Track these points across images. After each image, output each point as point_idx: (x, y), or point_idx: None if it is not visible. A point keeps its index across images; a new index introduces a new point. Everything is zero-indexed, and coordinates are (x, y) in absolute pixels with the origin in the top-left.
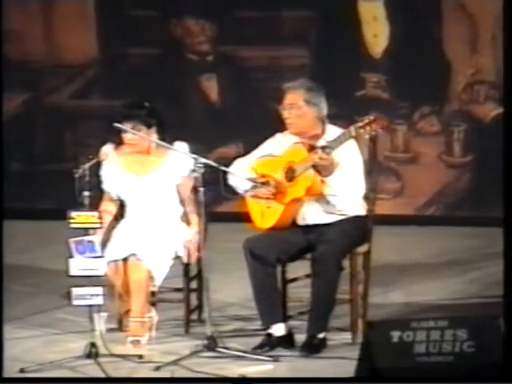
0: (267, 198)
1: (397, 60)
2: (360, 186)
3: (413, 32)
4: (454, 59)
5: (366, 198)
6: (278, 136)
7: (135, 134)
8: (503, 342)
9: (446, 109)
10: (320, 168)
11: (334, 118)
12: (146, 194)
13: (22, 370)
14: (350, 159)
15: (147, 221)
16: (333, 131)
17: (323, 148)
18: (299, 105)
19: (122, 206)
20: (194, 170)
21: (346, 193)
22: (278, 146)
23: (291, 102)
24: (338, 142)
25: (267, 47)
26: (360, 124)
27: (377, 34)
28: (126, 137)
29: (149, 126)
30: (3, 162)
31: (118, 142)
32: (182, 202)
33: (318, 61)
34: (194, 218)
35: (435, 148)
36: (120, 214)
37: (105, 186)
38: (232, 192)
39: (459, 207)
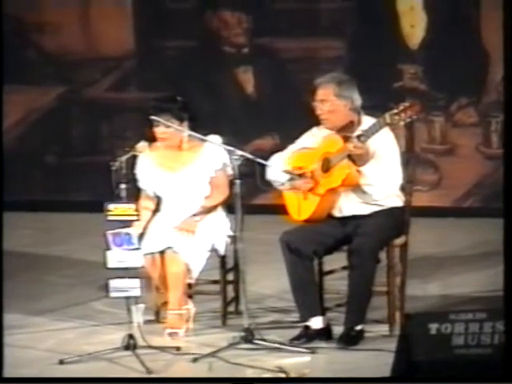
0: (304, 191)
1: (434, 51)
2: (396, 175)
3: (450, 22)
4: (492, 49)
5: (403, 189)
6: (314, 130)
7: (169, 127)
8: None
9: (484, 100)
10: (355, 157)
11: (371, 110)
12: (180, 188)
13: (61, 362)
14: (386, 148)
15: (183, 214)
16: (368, 122)
17: (358, 137)
18: (331, 99)
19: (158, 201)
20: (230, 163)
21: (381, 182)
22: (314, 139)
23: (322, 98)
24: (374, 129)
25: (303, 39)
26: (395, 111)
27: (414, 24)
28: (159, 131)
29: (181, 120)
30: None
31: (152, 139)
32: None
33: (354, 52)
34: (214, 197)
35: (473, 139)
36: (156, 208)
37: (141, 184)
38: (268, 184)
39: (497, 199)
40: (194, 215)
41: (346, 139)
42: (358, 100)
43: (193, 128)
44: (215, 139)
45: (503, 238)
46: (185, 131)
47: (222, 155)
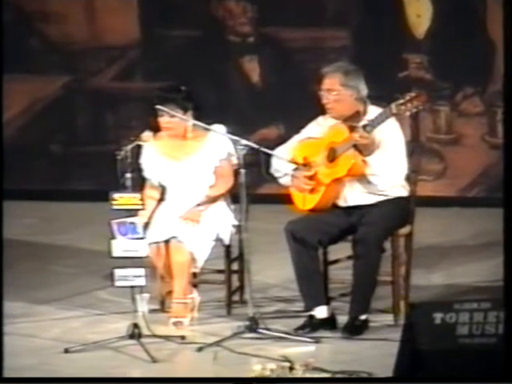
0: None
1: (440, 40)
2: (402, 165)
3: (456, 12)
4: (498, 39)
5: (408, 179)
6: (320, 119)
7: (174, 116)
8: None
9: (490, 89)
10: (361, 147)
11: (376, 100)
12: (185, 178)
13: (66, 351)
14: (391, 138)
15: (188, 204)
16: (374, 111)
17: (364, 126)
18: (337, 89)
19: (163, 191)
20: (235, 152)
21: (387, 172)
22: (320, 129)
23: (328, 88)
24: (380, 119)
25: (309, 28)
26: (401, 101)
27: (420, 14)
28: (163, 120)
29: (185, 110)
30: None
31: (156, 128)
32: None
33: (360, 42)
34: (218, 187)
35: (478, 129)
36: (161, 197)
37: (145, 173)
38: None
39: (502, 189)
40: (199, 205)
41: (352, 129)
42: (364, 90)
43: (197, 118)
44: (219, 128)
45: (503, 228)
46: (189, 121)
47: (226, 144)
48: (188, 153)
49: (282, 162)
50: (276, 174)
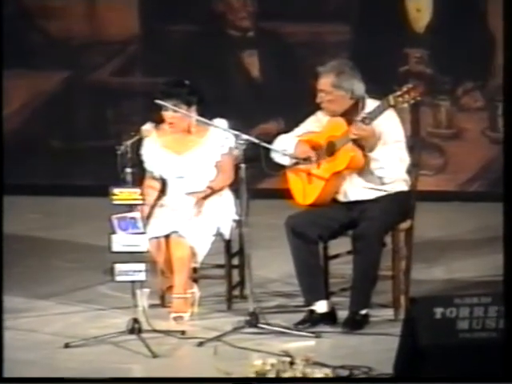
0: (309, 174)
1: (440, 35)
2: (403, 155)
3: (456, 6)
4: (498, 33)
5: (409, 173)
6: (319, 114)
7: (177, 112)
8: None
9: (490, 84)
10: (363, 142)
11: (376, 94)
12: (186, 172)
13: (66, 345)
14: (392, 130)
15: (189, 198)
16: (373, 105)
17: (363, 119)
18: (329, 90)
19: (163, 184)
20: (235, 147)
21: (392, 164)
22: (319, 123)
23: (322, 88)
24: (377, 111)
25: (309, 23)
26: (398, 93)
27: (420, 8)
28: (167, 115)
29: (189, 105)
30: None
31: (159, 121)
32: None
33: (360, 36)
34: (218, 181)
35: (479, 123)
36: (162, 192)
37: (146, 165)
38: (274, 169)
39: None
40: (201, 198)
41: (351, 122)
42: (359, 89)
43: (201, 112)
44: (221, 123)
45: (503, 223)
46: (193, 116)
47: (228, 139)
48: (190, 147)
49: (282, 156)
50: (277, 159)
